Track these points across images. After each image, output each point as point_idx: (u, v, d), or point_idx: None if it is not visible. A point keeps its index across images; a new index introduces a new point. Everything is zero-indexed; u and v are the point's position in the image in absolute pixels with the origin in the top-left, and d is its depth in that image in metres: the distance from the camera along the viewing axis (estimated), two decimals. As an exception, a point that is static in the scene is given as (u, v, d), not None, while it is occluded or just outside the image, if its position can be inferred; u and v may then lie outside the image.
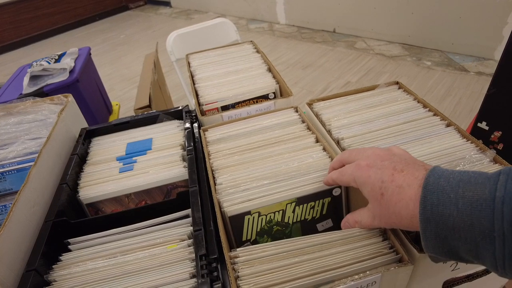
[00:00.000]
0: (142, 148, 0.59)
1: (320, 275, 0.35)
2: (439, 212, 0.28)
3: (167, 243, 0.43)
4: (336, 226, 0.47)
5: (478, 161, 0.49)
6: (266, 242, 0.42)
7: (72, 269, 0.42)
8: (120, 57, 3.44)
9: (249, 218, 0.44)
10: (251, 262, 0.38)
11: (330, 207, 0.47)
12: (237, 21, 3.90)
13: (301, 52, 3.03)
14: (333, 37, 3.22)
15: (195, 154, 0.54)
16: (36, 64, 1.53)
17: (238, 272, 0.37)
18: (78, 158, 0.58)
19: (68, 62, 1.55)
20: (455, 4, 2.44)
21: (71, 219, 0.48)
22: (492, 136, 0.75)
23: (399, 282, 0.38)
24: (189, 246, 0.42)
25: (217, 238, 0.41)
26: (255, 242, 0.46)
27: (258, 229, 0.45)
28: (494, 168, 0.48)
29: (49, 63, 1.55)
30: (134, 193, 0.54)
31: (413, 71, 2.50)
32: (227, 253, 0.38)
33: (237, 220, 0.43)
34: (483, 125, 0.76)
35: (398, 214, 0.32)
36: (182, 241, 0.43)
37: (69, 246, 0.45)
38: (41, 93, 1.46)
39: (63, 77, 1.48)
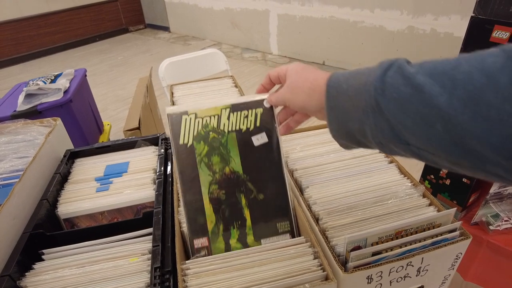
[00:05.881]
0: (119, 170, 0.65)
1: (256, 287, 0.42)
2: (337, 101, 0.37)
3: (130, 256, 0.49)
4: (270, 143, 0.50)
5: (409, 195, 0.56)
6: (203, 149, 0.48)
7: (42, 276, 0.47)
8: (116, 78, 3.54)
9: (186, 118, 0.48)
10: (199, 274, 0.44)
11: (263, 119, 0.50)
12: (232, 49, 4.07)
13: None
14: (322, 69, 3.35)
15: (165, 178, 0.61)
16: (33, 83, 1.60)
17: (187, 282, 0.43)
18: (60, 177, 0.64)
19: (63, 83, 1.63)
20: (439, 42, 2.61)
21: (48, 232, 0.54)
22: (441, 172, 0.83)
23: (326, 297, 0.44)
24: (148, 259, 0.48)
25: (173, 253, 0.47)
26: (191, 147, 0.48)
27: (195, 133, 0.48)
28: (423, 201, 0.55)
29: (45, 83, 1.62)
30: (107, 211, 0.60)
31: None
32: (179, 266, 0.44)
33: (176, 123, 0.48)
34: (433, 162, 0.84)
35: (307, 81, 0.42)
36: (143, 255, 0.48)
37: (42, 256, 0.51)
38: (34, 111, 1.53)
39: (57, 96, 1.55)
